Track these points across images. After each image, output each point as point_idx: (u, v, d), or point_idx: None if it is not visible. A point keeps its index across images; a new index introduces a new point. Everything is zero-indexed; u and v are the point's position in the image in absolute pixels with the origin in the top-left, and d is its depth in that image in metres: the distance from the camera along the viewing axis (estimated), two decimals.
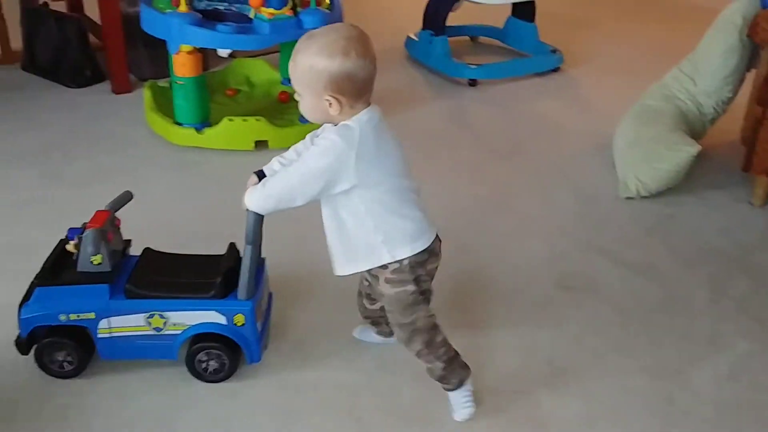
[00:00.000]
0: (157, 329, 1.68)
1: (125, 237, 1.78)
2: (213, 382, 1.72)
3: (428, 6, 3.57)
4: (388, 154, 1.48)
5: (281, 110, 3.00)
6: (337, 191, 1.45)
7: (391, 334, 1.72)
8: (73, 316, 1.66)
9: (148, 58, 3.27)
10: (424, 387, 1.68)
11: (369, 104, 1.47)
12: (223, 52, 2.83)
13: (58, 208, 2.38)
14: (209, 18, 2.62)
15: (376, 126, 1.45)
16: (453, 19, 3.64)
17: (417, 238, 1.52)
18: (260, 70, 3.24)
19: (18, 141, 2.77)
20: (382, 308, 1.65)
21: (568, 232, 2.36)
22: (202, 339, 1.69)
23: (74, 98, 3.15)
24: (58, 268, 1.70)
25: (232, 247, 1.76)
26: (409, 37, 3.72)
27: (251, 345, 1.69)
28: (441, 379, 1.62)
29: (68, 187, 2.50)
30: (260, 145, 2.74)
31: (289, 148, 1.62)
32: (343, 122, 1.44)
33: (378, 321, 1.79)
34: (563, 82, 3.53)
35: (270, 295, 1.85)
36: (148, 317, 1.67)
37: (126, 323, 1.67)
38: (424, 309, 1.57)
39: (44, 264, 1.71)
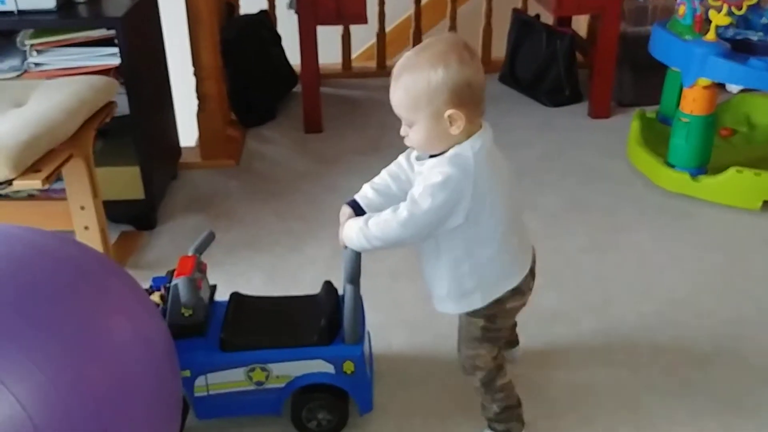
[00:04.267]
0: (259, 383, 1.51)
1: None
2: None
3: None
4: (501, 184, 1.33)
5: None
6: (444, 229, 1.30)
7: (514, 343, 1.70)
8: None
9: (632, 83, 2.97)
10: None
11: (481, 123, 1.32)
12: (734, 87, 2.40)
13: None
14: (737, 49, 2.21)
15: (489, 151, 1.31)
16: None
17: (507, 277, 1.39)
18: (766, 110, 2.73)
19: None
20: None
21: None
22: (308, 390, 1.52)
23: (549, 118, 2.99)
24: None
25: (329, 285, 1.59)
26: None
27: (363, 394, 1.53)
28: (490, 421, 1.52)
29: (540, 219, 2.32)
30: None
31: None
32: (453, 151, 1.29)
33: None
34: None
35: (368, 334, 1.64)
36: (248, 371, 1.50)
37: (224, 379, 1.50)
38: (488, 347, 1.44)
39: None
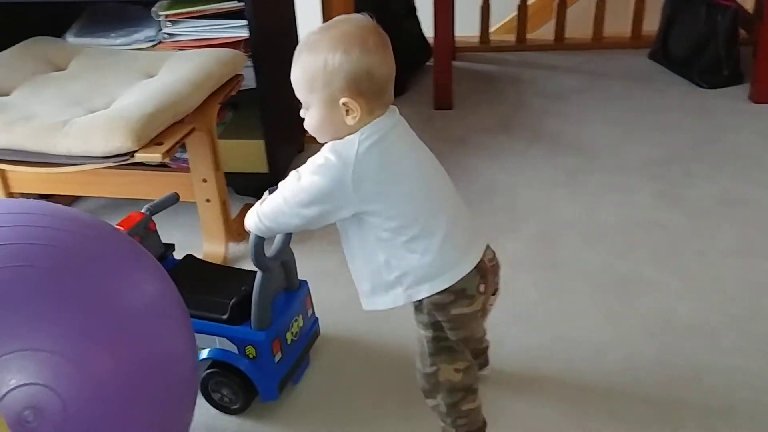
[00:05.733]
0: None
1: None
2: (226, 413, 1.55)
3: None
4: (402, 173, 1.21)
5: None
6: (339, 218, 1.23)
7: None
8: None
9: None
10: None
11: (385, 111, 1.21)
12: None
13: (672, 237, 2.01)
14: None
15: (385, 137, 1.19)
16: None
17: (438, 275, 1.23)
18: None
19: (637, 145, 2.47)
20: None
21: None
22: (216, 365, 1.51)
23: (703, 101, 2.73)
24: None
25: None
26: None
27: (265, 381, 1.49)
28: None
29: (684, 214, 2.11)
30: None
31: None
32: (346, 136, 1.19)
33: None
34: None
35: (316, 321, 1.64)
36: None
37: None
38: (447, 361, 1.30)
39: None
